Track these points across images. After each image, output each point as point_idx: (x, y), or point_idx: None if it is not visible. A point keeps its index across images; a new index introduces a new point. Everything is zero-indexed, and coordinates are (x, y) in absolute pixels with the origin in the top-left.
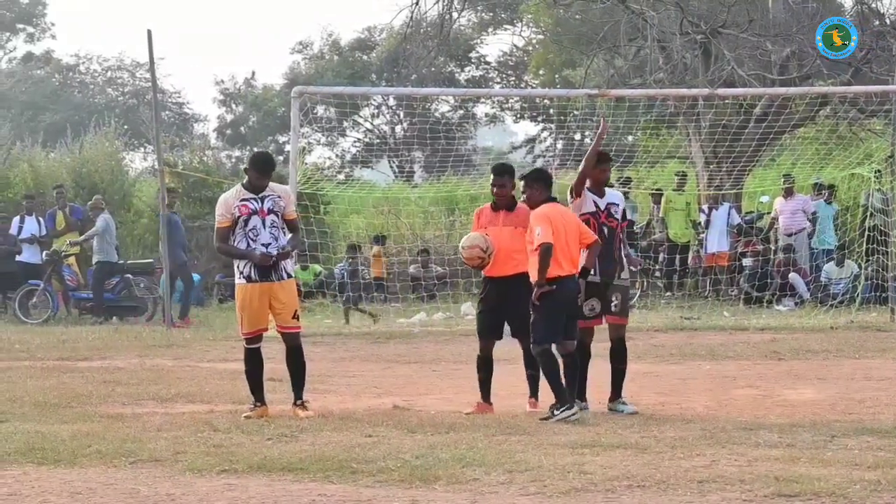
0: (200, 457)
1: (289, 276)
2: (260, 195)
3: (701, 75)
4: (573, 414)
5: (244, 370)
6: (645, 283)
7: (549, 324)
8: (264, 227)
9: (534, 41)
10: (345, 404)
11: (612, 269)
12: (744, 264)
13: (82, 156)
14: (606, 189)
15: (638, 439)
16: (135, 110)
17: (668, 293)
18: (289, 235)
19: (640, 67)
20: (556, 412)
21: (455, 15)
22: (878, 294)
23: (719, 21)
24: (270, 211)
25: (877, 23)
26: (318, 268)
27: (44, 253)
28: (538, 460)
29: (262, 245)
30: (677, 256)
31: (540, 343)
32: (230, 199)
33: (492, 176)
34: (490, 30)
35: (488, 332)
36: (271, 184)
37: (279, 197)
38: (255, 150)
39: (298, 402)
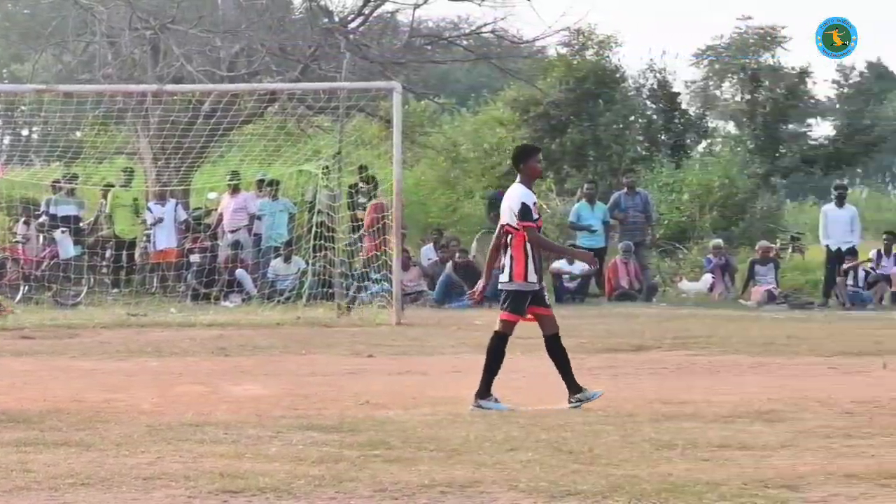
0: None
1: None
2: None
3: (150, 71)
4: None
5: None
6: (91, 280)
7: None
8: None
9: None
10: None
11: None
12: (191, 260)
13: None
14: None
15: (82, 437)
16: None
17: (116, 289)
18: None
19: (88, 63)
20: None
21: None
22: (324, 290)
23: (169, 17)
24: None
25: (325, 20)
26: None
27: None
28: None
29: None
30: (125, 252)
31: None
32: None
33: None
34: None
35: None
36: None
37: None
38: None
39: None
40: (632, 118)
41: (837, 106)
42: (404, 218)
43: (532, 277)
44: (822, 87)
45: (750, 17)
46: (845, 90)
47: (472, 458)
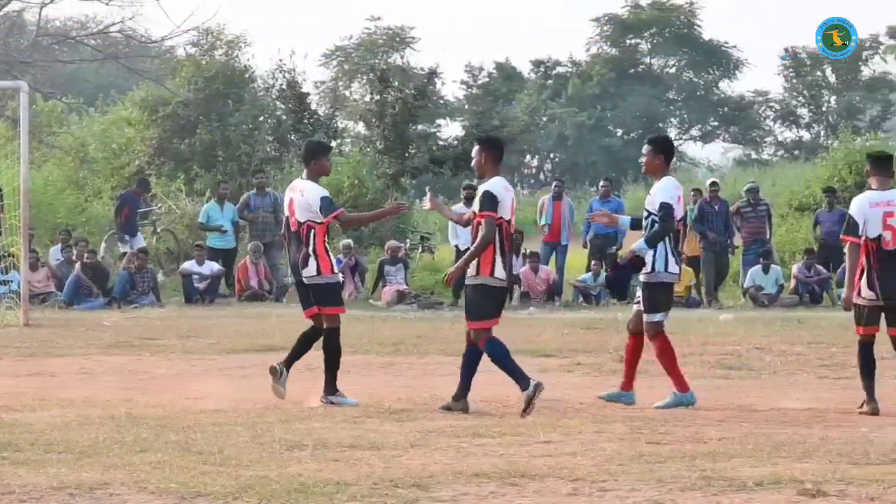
0: None
1: None
2: None
3: None
4: None
5: None
6: None
7: None
8: None
9: None
10: None
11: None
12: None
13: None
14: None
15: None
16: None
17: None
18: None
19: None
20: None
21: None
22: None
23: None
24: None
25: None
26: None
27: None
28: None
29: None
30: None
31: None
32: None
33: None
34: None
35: None
36: None
37: None
38: None
39: None
40: (261, 118)
41: (466, 106)
42: (32, 218)
43: (335, 269)
44: (451, 87)
45: (379, 18)
46: (474, 90)
47: (101, 460)
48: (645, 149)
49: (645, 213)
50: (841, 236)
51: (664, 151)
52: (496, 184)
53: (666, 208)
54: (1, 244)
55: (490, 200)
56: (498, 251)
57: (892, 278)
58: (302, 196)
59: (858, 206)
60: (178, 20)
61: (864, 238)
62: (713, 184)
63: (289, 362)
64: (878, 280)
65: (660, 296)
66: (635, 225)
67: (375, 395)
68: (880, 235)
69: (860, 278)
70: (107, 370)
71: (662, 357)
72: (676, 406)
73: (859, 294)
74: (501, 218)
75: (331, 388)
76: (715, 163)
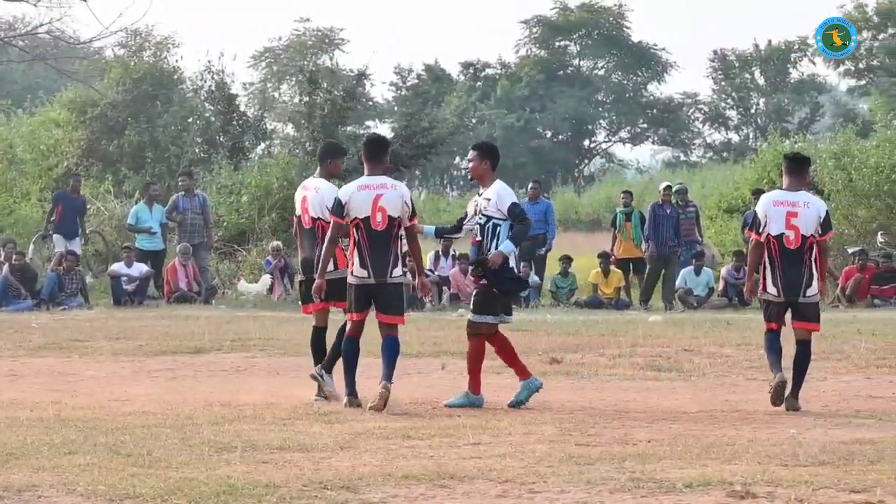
0: None
1: None
2: None
3: None
4: None
5: None
6: None
7: None
8: None
9: None
10: None
11: None
12: None
13: None
14: None
15: None
16: None
17: None
18: None
19: None
20: None
21: None
22: None
23: None
24: None
25: None
26: None
27: None
28: None
29: None
30: None
31: None
32: None
33: None
34: None
35: None
36: None
37: None
38: None
39: None
40: (190, 120)
41: (395, 108)
42: None
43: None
44: (381, 89)
45: (308, 20)
46: (403, 92)
47: (29, 462)
48: (471, 154)
49: (482, 219)
50: (746, 231)
51: (490, 157)
52: (347, 188)
53: (519, 208)
54: None
55: (336, 205)
56: (356, 250)
57: (794, 276)
58: (317, 193)
59: (763, 204)
60: (107, 21)
61: (765, 235)
62: (667, 187)
63: (328, 366)
64: (781, 278)
65: (499, 298)
66: (439, 233)
67: (305, 396)
68: (783, 234)
69: (765, 274)
70: (35, 372)
71: (471, 357)
72: (467, 406)
73: (765, 290)
74: (356, 218)
75: (329, 365)
76: (644, 164)
